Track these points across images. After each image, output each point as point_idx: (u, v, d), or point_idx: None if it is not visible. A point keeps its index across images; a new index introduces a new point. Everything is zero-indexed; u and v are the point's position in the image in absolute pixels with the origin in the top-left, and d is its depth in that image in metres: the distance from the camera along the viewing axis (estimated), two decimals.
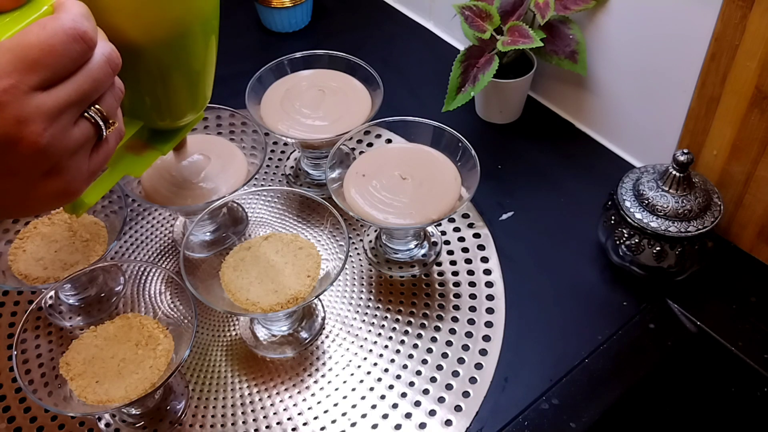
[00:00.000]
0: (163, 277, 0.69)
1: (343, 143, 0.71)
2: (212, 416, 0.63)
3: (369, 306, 0.70)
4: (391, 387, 0.64)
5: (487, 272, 0.72)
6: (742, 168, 0.69)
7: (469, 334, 0.67)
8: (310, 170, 0.81)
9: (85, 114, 0.40)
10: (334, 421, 0.62)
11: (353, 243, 0.75)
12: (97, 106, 0.41)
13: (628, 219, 0.67)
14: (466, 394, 0.63)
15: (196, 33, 0.52)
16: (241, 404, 0.64)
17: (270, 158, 0.84)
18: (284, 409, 0.63)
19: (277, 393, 0.64)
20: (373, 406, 0.63)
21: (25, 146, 0.37)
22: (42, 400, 0.55)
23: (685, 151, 0.64)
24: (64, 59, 0.37)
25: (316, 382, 0.65)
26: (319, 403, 0.63)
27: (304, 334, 0.68)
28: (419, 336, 0.67)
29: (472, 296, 0.70)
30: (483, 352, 0.66)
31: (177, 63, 0.53)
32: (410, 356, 0.66)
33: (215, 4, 0.54)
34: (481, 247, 0.74)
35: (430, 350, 0.66)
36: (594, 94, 0.82)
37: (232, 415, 0.63)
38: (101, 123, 0.41)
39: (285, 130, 0.74)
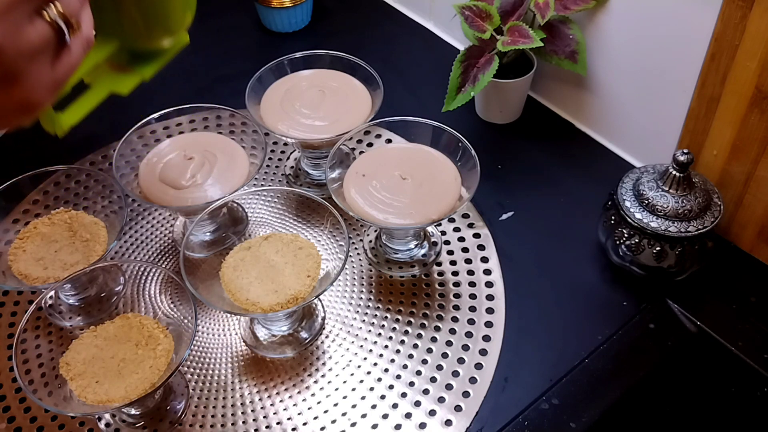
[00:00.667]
0: (163, 277, 0.69)
1: (343, 143, 0.71)
2: (212, 416, 0.63)
3: (369, 306, 0.70)
4: (391, 387, 0.64)
5: (487, 272, 0.72)
6: (742, 168, 0.69)
7: (469, 334, 0.67)
8: (310, 170, 0.81)
9: (42, 12, 0.37)
10: (334, 421, 0.62)
11: (353, 243, 0.75)
12: (56, 4, 0.37)
13: (628, 219, 0.67)
14: (466, 394, 0.63)
15: None
16: (241, 404, 0.64)
17: (270, 158, 0.84)
18: (284, 409, 0.63)
19: (277, 393, 0.64)
20: (373, 406, 0.63)
21: None
22: (42, 400, 0.55)
23: (685, 151, 0.64)
24: None
25: (316, 382, 0.65)
26: (319, 403, 0.63)
27: (304, 334, 0.68)
28: (419, 336, 0.67)
29: (472, 296, 0.70)
30: (483, 352, 0.66)
31: None
32: (410, 356, 0.66)
33: None
34: (481, 247, 0.74)
35: (430, 350, 0.66)
36: (594, 94, 0.82)
37: (232, 415, 0.63)
38: (62, 24, 0.38)
39: (285, 130, 0.74)
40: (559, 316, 0.69)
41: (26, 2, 0.36)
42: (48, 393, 0.57)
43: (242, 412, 0.63)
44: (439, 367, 0.65)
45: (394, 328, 0.68)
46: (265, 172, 0.83)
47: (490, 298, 0.70)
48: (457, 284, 0.71)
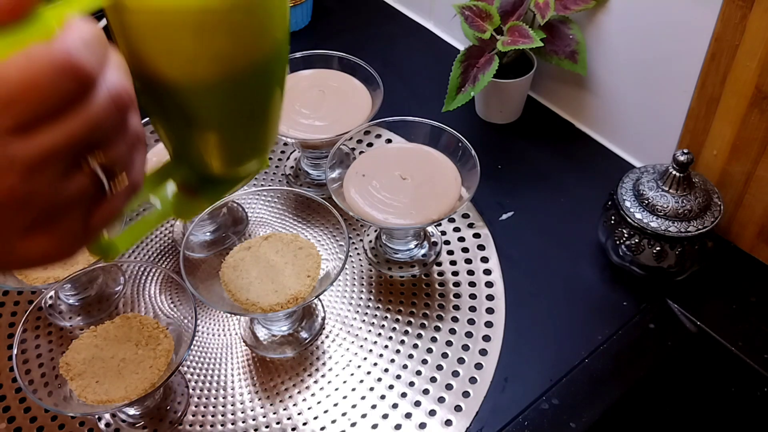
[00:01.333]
0: (163, 277, 0.69)
1: (343, 143, 0.71)
2: (212, 416, 0.63)
3: (369, 306, 0.70)
4: (391, 387, 0.64)
5: (487, 272, 0.72)
6: (742, 168, 0.69)
7: (469, 334, 0.67)
8: (310, 170, 0.81)
9: (83, 164, 0.33)
10: (334, 421, 0.62)
11: (353, 243, 0.75)
12: (100, 155, 0.33)
13: (628, 219, 0.67)
14: (466, 394, 0.63)
15: (261, 70, 0.43)
16: (241, 404, 0.64)
17: (270, 158, 0.84)
18: (284, 409, 0.63)
19: (277, 393, 0.64)
20: (373, 406, 0.63)
21: None
22: (42, 400, 0.55)
23: (685, 151, 0.64)
24: (50, 98, 0.30)
25: (316, 382, 0.65)
26: (319, 403, 0.63)
27: (304, 334, 0.68)
28: (419, 336, 0.67)
29: (472, 296, 0.70)
30: (483, 352, 0.66)
31: (232, 106, 0.44)
32: (410, 356, 0.66)
33: (285, 29, 0.45)
34: (481, 247, 0.74)
35: (430, 350, 0.66)
36: (594, 94, 0.82)
37: (232, 415, 0.63)
38: (102, 175, 0.34)
39: (285, 130, 0.74)
40: (559, 315, 0.69)
41: (65, 154, 0.32)
42: (48, 393, 0.57)
43: (242, 412, 0.63)
44: (439, 367, 0.65)
45: (394, 328, 0.68)
46: (265, 172, 0.83)
47: (490, 298, 0.70)
48: (457, 284, 0.71)
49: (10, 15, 0.31)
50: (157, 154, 0.72)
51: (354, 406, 0.63)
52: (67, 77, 0.30)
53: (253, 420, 0.62)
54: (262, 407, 0.63)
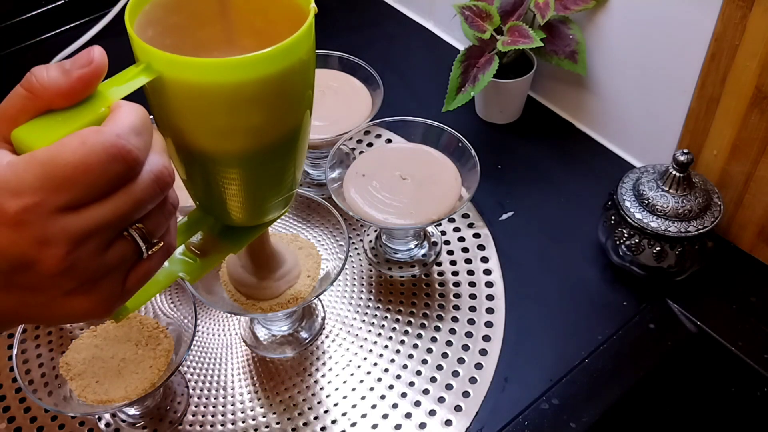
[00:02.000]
0: None
1: (343, 143, 0.71)
2: (212, 416, 0.63)
3: (369, 306, 0.70)
4: (391, 387, 0.64)
5: (487, 272, 0.72)
6: (742, 168, 0.69)
7: (469, 334, 0.67)
8: (310, 170, 0.81)
9: (124, 233, 0.36)
10: (334, 421, 0.62)
11: (353, 243, 0.75)
12: (139, 225, 0.36)
13: (628, 219, 0.67)
14: (466, 394, 0.63)
15: (290, 139, 0.45)
16: (241, 404, 0.64)
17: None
18: (284, 410, 0.63)
19: (277, 393, 0.64)
20: (373, 406, 0.63)
21: (44, 268, 0.33)
22: (42, 400, 0.55)
23: (685, 151, 0.64)
24: (100, 180, 0.33)
25: (316, 382, 0.65)
26: (319, 403, 0.63)
27: (304, 334, 0.68)
28: (419, 336, 0.67)
29: (472, 296, 0.70)
30: (483, 352, 0.66)
31: (261, 170, 0.45)
32: (410, 356, 0.66)
33: (310, 101, 0.46)
34: (481, 247, 0.74)
35: (430, 350, 0.66)
36: (594, 94, 0.82)
37: (232, 415, 0.63)
38: (141, 243, 0.36)
39: None
40: (559, 316, 0.69)
41: (109, 228, 0.34)
42: (48, 393, 0.57)
43: (242, 412, 0.63)
44: (439, 367, 0.65)
45: (394, 328, 0.68)
46: None
47: (490, 298, 0.70)
48: (457, 284, 0.71)
49: (63, 100, 0.34)
50: None
51: (354, 406, 0.63)
52: (117, 161, 0.33)
53: (253, 420, 0.62)
54: (262, 407, 0.63)
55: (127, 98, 0.36)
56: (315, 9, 0.41)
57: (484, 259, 0.73)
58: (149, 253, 0.37)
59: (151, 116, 0.38)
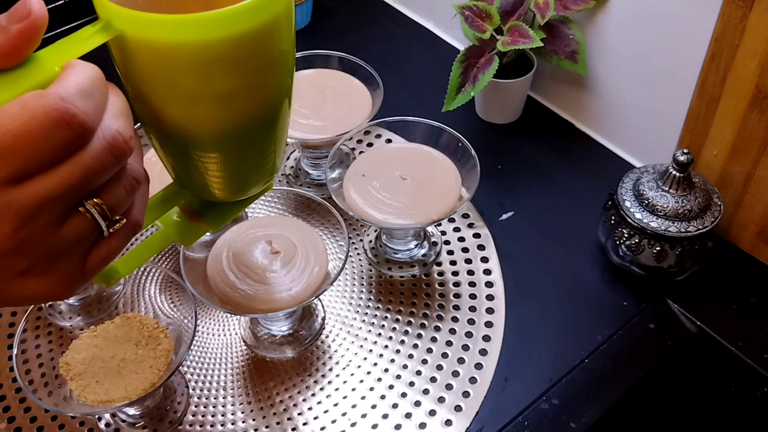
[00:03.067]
0: (163, 277, 0.69)
1: (343, 143, 0.71)
2: (212, 416, 0.63)
3: (369, 306, 0.70)
4: (391, 387, 0.64)
5: (487, 272, 0.72)
6: (742, 168, 0.69)
7: (469, 334, 0.67)
8: (310, 170, 0.81)
9: (80, 209, 0.33)
10: (334, 421, 0.62)
11: (353, 243, 0.75)
12: (96, 200, 0.33)
13: (628, 219, 0.67)
14: (466, 394, 0.63)
15: (267, 112, 0.42)
16: (241, 404, 0.64)
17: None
18: (284, 410, 0.63)
19: (277, 393, 0.64)
20: (373, 406, 0.63)
21: None
22: (42, 400, 0.55)
23: (685, 151, 0.64)
24: (44, 148, 0.30)
25: (316, 382, 0.65)
26: (319, 403, 0.63)
27: (304, 334, 0.68)
28: (419, 336, 0.67)
29: (472, 296, 0.70)
30: (483, 352, 0.66)
31: (240, 144, 0.42)
32: (410, 356, 0.66)
33: (290, 67, 0.43)
34: (481, 247, 0.74)
35: (430, 350, 0.66)
36: (594, 94, 0.82)
37: (232, 415, 0.63)
38: (100, 220, 0.34)
39: None
40: (559, 316, 0.69)
41: (60, 201, 0.31)
42: (48, 393, 0.57)
43: (242, 412, 0.63)
44: (439, 367, 0.65)
45: (394, 328, 0.68)
46: None
47: (490, 298, 0.70)
48: (457, 284, 0.71)
49: (4, 60, 0.31)
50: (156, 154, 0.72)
51: (354, 406, 0.63)
52: (61, 127, 0.30)
53: (253, 420, 0.62)
54: (261, 407, 0.63)
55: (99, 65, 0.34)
56: None
57: (484, 259, 0.73)
58: (111, 231, 0.34)
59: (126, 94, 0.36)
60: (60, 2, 0.98)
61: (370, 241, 0.75)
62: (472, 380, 0.64)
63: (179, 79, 0.37)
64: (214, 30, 0.35)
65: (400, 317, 0.69)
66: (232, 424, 0.62)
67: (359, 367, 0.66)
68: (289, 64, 0.42)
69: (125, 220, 0.35)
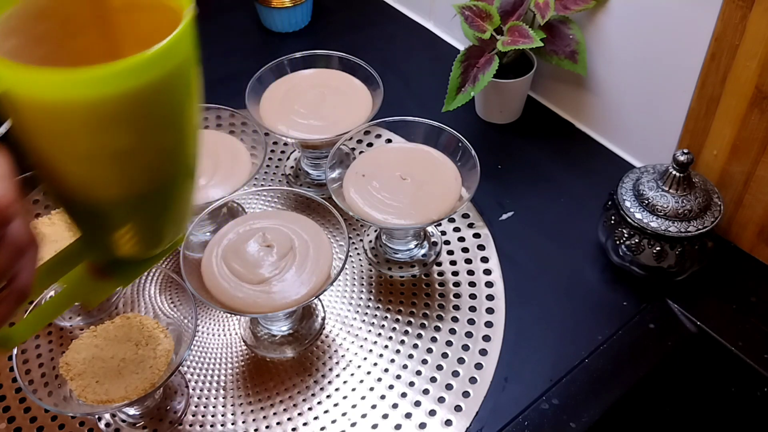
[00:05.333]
0: (163, 277, 0.69)
1: (343, 143, 0.71)
2: (212, 416, 0.63)
3: (369, 306, 0.70)
4: (391, 387, 0.64)
5: (487, 272, 0.72)
6: (742, 168, 0.69)
7: (469, 334, 0.67)
8: (310, 170, 0.81)
9: None
10: (334, 421, 0.62)
11: (353, 243, 0.75)
12: None
13: (628, 219, 0.67)
14: (466, 394, 0.63)
15: (172, 184, 0.40)
16: (241, 404, 0.64)
17: (270, 158, 0.84)
18: (284, 410, 0.63)
19: (277, 393, 0.64)
20: (373, 406, 0.63)
21: None
22: (42, 400, 0.55)
23: (685, 151, 0.64)
24: None
25: (316, 382, 0.65)
26: (319, 403, 0.63)
27: (304, 334, 0.68)
28: (419, 336, 0.67)
29: (472, 296, 0.70)
30: (483, 352, 0.66)
31: (147, 206, 0.40)
32: (410, 356, 0.66)
33: (195, 149, 0.41)
34: (481, 247, 0.74)
35: (430, 350, 0.66)
36: (594, 94, 0.82)
37: (232, 415, 0.63)
38: None
39: (285, 130, 0.74)
40: (559, 316, 0.69)
41: None
42: (48, 393, 0.57)
43: (242, 412, 0.63)
44: (439, 367, 0.65)
45: (394, 328, 0.68)
46: (265, 172, 0.82)
47: (490, 298, 0.70)
48: (457, 284, 0.71)
49: None
50: None
51: (354, 406, 0.63)
52: None
53: (253, 420, 0.62)
54: (262, 407, 0.63)
55: None
56: (190, 14, 0.36)
57: (484, 259, 0.73)
58: None
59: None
60: None
61: (370, 241, 0.75)
62: (472, 380, 0.64)
63: (71, 136, 0.34)
64: (105, 86, 0.32)
65: (400, 317, 0.69)
66: (232, 424, 0.62)
67: (359, 367, 0.66)
68: (192, 118, 0.39)
69: (12, 285, 0.33)
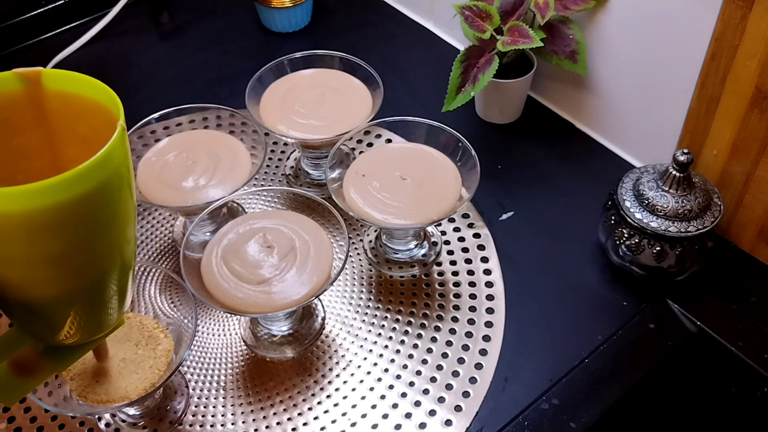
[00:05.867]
0: (163, 277, 0.69)
1: (343, 143, 0.71)
2: (212, 416, 0.63)
3: (369, 306, 0.70)
4: (391, 387, 0.64)
5: (487, 272, 0.72)
6: (742, 168, 0.69)
7: (469, 334, 0.67)
8: (310, 170, 0.81)
9: None
10: (334, 421, 0.62)
11: (353, 243, 0.75)
12: None
13: (628, 219, 0.67)
14: (466, 394, 0.63)
15: (108, 278, 0.42)
16: (241, 404, 0.64)
17: (270, 158, 0.84)
18: (284, 410, 0.63)
19: (277, 393, 0.64)
20: (373, 406, 0.63)
21: None
22: (42, 400, 0.55)
23: (685, 151, 0.64)
24: None
25: (316, 382, 0.65)
26: (319, 403, 0.63)
27: (304, 334, 0.68)
28: (419, 336, 0.67)
29: (472, 296, 0.70)
30: (483, 352, 0.66)
31: (83, 302, 0.43)
32: (410, 356, 0.66)
33: (132, 249, 0.44)
34: (481, 247, 0.74)
35: (430, 350, 0.66)
36: (594, 94, 0.82)
37: (232, 415, 0.63)
38: None
39: (285, 130, 0.74)
40: (559, 316, 0.69)
41: None
42: (48, 393, 0.57)
43: (242, 412, 0.63)
44: (439, 367, 0.65)
45: (394, 328, 0.68)
46: (265, 172, 0.83)
47: (490, 298, 0.70)
48: (457, 284, 0.71)
49: None
50: (157, 153, 0.72)
51: (354, 406, 0.63)
52: None
53: (253, 420, 0.62)
54: (262, 407, 0.63)
55: None
56: (122, 126, 0.39)
57: (484, 259, 0.73)
58: None
59: None
60: (60, 2, 0.98)
61: (370, 241, 0.75)
62: (472, 380, 0.64)
63: (5, 242, 0.36)
64: (39, 199, 0.35)
65: (400, 317, 0.69)
66: (232, 424, 0.62)
67: (359, 367, 0.66)
68: (124, 219, 0.42)
69: None
